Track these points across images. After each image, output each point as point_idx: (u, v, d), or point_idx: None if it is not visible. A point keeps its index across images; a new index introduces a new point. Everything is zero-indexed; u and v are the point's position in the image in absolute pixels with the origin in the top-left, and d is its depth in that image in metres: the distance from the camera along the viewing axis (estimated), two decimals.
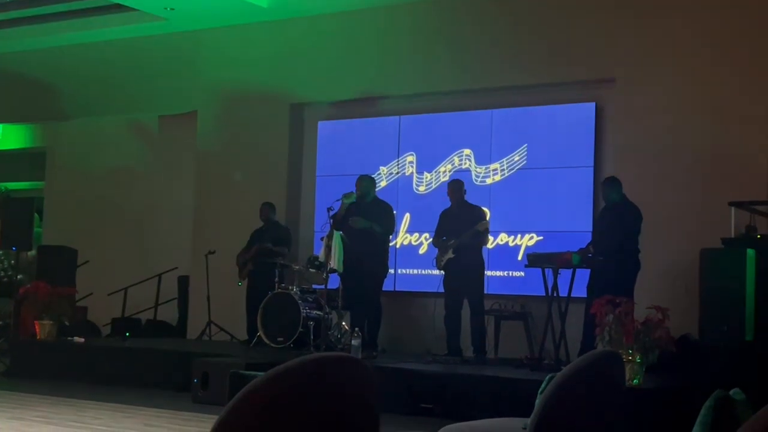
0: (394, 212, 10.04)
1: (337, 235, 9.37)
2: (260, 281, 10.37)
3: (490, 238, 10.01)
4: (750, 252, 7.83)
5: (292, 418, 2.50)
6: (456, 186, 9.50)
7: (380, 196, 10.19)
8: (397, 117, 11.18)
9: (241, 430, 2.45)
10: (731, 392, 2.61)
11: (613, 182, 8.72)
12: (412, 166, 11.01)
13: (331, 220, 9.35)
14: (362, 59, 11.31)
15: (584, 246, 8.74)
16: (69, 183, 13.71)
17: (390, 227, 9.90)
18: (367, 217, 9.60)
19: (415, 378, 7.91)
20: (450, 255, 9.19)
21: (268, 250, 10.39)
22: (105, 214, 13.25)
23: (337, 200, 9.52)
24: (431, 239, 9.82)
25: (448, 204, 9.63)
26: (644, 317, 7.03)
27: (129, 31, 12.57)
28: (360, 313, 9.56)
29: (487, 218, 9.58)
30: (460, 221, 9.27)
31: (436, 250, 9.49)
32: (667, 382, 7.52)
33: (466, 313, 9.34)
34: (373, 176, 10.26)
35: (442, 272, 9.37)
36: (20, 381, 9.45)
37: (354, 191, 9.67)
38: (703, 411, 2.53)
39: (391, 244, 10.13)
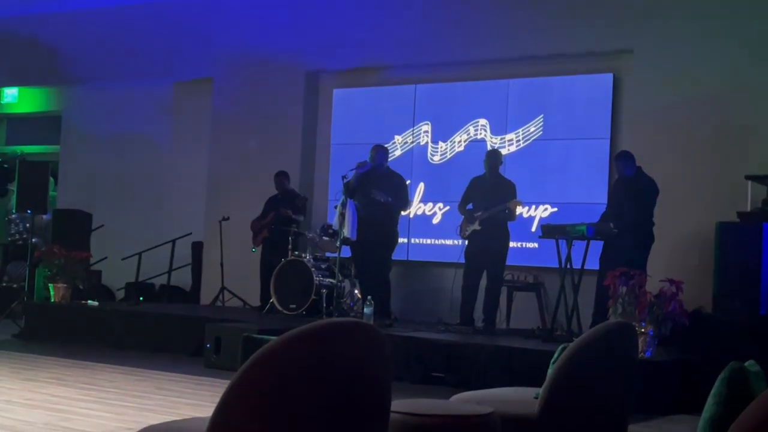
0: (408, 182, 9.95)
1: (351, 203, 9.36)
2: (274, 248, 10.38)
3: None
4: (766, 226, 7.79)
5: (304, 382, 2.50)
6: (494, 155, 9.39)
7: (395, 166, 10.15)
8: (412, 86, 11.11)
9: (254, 394, 2.45)
10: (746, 364, 2.59)
11: (626, 156, 8.63)
12: (427, 136, 10.96)
13: (344, 188, 9.34)
14: (378, 27, 11.23)
15: (598, 218, 8.69)
16: (84, 147, 13.73)
17: (406, 202, 9.91)
18: (380, 188, 9.55)
19: (426, 347, 7.91)
20: (476, 227, 9.11)
21: (288, 217, 10.38)
22: (120, 178, 13.28)
23: (352, 169, 9.49)
24: (455, 205, 9.60)
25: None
26: (658, 290, 7.00)
27: None
28: (368, 284, 9.52)
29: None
30: (491, 192, 9.17)
31: (451, 220, 9.44)
32: (680, 355, 7.51)
33: (482, 284, 9.30)
34: (386, 146, 10.20)
35: (463, 241, 9.32)
36: (34, 343, 9.52)
37: (368, 161, 9.63)
38: (717, 383, 2.52)
39: (403, 214, 10.09)
